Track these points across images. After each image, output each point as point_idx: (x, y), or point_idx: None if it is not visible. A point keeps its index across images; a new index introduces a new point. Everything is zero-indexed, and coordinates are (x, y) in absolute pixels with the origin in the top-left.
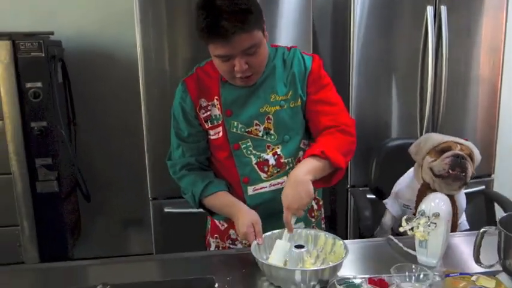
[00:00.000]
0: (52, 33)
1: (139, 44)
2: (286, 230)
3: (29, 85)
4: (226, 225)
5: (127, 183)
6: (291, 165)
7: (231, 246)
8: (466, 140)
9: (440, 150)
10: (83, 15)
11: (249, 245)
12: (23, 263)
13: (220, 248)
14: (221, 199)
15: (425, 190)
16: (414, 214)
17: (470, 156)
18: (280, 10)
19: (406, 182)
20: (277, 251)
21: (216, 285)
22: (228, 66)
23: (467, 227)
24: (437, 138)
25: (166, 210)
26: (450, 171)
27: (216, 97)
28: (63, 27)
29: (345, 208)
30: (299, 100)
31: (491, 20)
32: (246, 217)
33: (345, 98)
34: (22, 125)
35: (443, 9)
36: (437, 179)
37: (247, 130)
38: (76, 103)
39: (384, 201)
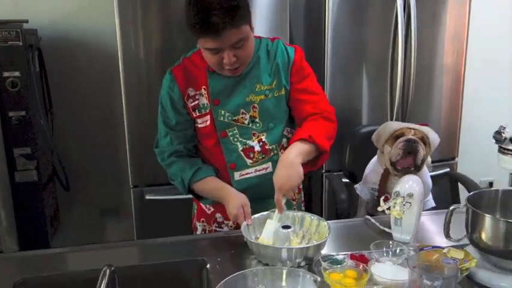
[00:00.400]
0: (26, 21)
1: (119, 34)
2: (276, 210)
3: (6, 74)
4: (212, 209)
5: (106, 171)
6: (275, 151)
7: (217, 229)
8: (426, 124)
9: (395, 137)
10: (59, 3)
11: (236, 228)
12: (2, 253)
13: (207, 232)
14: (211, 184)
15: (387, 174)
16: (378, 197)
17: (423, 139)
18: (257, 0)
19: (372, 167)
20: (268, 230)
21: (208, 265)
22: (217, 58)
23: (434, 205)
24: (394, 126)
25: (147, 197)
26: (400, 157)
27: (203, 87)
28: (38, 15)
29: (320, 192)
30: (283, 89)
31: (456, 9)
32: (236, 200)
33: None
34: (0, 114)
35: (412, 0)
36: (391, 167)
37: (234, 118)
38: (52, 92)
39: (355, 186)
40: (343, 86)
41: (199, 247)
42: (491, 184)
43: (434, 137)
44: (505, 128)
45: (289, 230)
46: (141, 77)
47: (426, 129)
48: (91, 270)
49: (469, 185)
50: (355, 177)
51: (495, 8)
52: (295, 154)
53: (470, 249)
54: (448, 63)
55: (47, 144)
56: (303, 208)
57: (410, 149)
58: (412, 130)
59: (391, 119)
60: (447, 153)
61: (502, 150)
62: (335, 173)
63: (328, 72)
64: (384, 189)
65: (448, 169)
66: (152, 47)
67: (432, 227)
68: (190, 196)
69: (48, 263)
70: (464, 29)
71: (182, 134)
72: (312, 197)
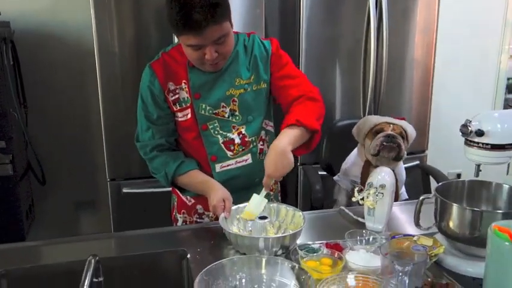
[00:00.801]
0: None
1: (94, 28)
2: (264, 188)
3: None
4: (193, 201)
5: (82, 165)
6: (255, 143)
7: (198, 220)
8: (403, 118)
9: (375, 132)
10: None
11: (216, 219)
12: None
13: (188, 223)
14: (195, 177)
15: (368, 166)
16: (362, 189)
17: (402, 134)
18: None
19: (352, 160)
20: (254, 202)
21: (188, 255)
22: (199, 54)
23: (407, 197)
24: (373, 120)
25: (124, 190)
26: (380, 153)
27: (184, 81)
28: (11, 7)
29: (295, 184)
30: (262, 83)
31: (426, 5)
32: (218, 193)
33: None
34: None
35: None
36: (375, 157)
37: (214, 112)
38: (26, 86)
39: (334, 178)
40: (317, 81)
41: (179, 238)
42: (459, 176)
43: (411, 131)
44: (471, 121)
45: (265, 220)
46: (116, 71)
47: (404, 124)
48: (74, 261)
49: (438, 176)
50: (332, 169)
51: (463, 3)
52: (287, 142)
53: (439, 236)
54: (418, 58)
55: (21, 138)
56: (279, 199)
57: (387, 142)
58: (391, 125)
59: (364, 113)
60: (418, 146)
61: (468, 143)
62: (311, 166)
63: (303, 67)
64: (365, 175)
65: (418, 162)
66: (127, 41)
67: (404, 216)
68: (167, 189)
69: (28, 255)
70: (434, 23)
71: (164, 128)
72: (287, 189)
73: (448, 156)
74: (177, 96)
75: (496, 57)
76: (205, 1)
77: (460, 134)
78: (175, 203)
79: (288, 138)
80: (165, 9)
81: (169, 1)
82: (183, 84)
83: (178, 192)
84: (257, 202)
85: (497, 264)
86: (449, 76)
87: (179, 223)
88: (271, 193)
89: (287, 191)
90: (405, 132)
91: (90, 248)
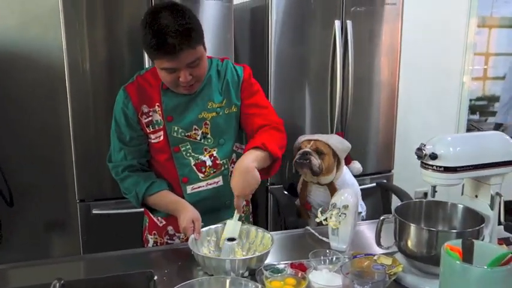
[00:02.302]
0: None
1: (65, 47)
2: (236, 211)
3: None
4: (164, 222)
5: (51, 186)
6: (226, 166)
7: (168, 241)
8: (340, 133)
9: (298, 149)
10: (2, 15)
11: (186, 240)
12: None
13: (159, 244)
14: (165, 197)
15: (306, 184)
16: (302, 205)
17: (317, 150)
18: (202, 18)
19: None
20: (229, 229)
21: (155, 277)
22: (173, 77)
23: (360, 210)
24: (300, 139)
25: (94, 212)
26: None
27: (157, 104)
28: None
29: (265, 204)
30: (233, 107)
31: (390, 29)
32: (188, 214)
33: None
34: None
35: (349, 23)
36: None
37: (186, 134)
38: None
39: (296, 202)
40: (286, 100)
41: (148, 260)
42: (426, 194)
43: (334, 143)
44: (425, 145)
45: (233, 242)
46: (87, 91)
47: (328, 137)
48: (38, 285)
49: (400, 194)
50: (296, 190)
51: (426, 25)
52: (251, 159)
53: (399, 255)
54: (383, 79)
55: None
56: (251, 220)
57: (302, 159)
58: (312, 142)
59: (332, 132)
60: (383, 166)
61: (424, 165)
62: (279, 187)
63: (272, 88)
64: (303, 198)
65: (385, 181)
66: (99, 61)
67: (370, 235)
68: (139, 210)
69: None
70: (398, 46)
71: (136, 149)
72: (258, 210)
73: (415, 175)
74: (150, 118)
75: (458, 79)
76: (179, 26)
77: (416, 157)
78: (147, 224)
79: (252, 156)
80: (139, 32)
81: (144, 25)
82: (156, 107)
83: (150, 214)
84: (232, 227)
85: (450, 282)
86: (414, 98)
87: (150, 244)
88: (243, 215)
89: (258, 213)
90: (328, 146)
91: (56, 271)
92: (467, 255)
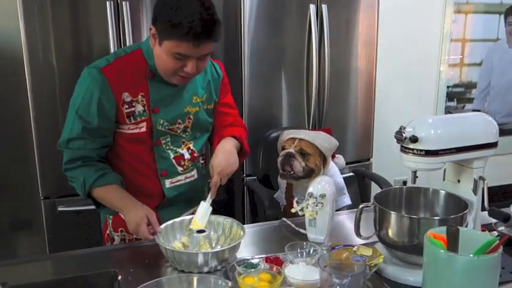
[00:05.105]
0: None
1: (24, 39)
2: (209, 194)
3: None
4: None
5: (15, 182)
6: (199, 159)
7: (137, 237)
8: (327, 129)
9: (282, 149)
10: None
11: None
12: None
13: (127, 241)
14: (113, 192)
15: (290, 186)
16: (288, 202)
17: (302, 150)
18: None
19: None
20: (201, 212)
21: (120, 277)
22: (179, 64)
23: (350, 203)
24: (283, 136)
25: (60, 209)
26: (282, 171)
27: (141, 93)
28: None
29: (241, 196)
30: (212, 103)
31: (366, 17)
32: (136, 212)
33: (238, 92)
34: None
35: (324, 7)
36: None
37: (170, 127)
38: None
39: (275, 196)
40: (261, 91)
41: (113, 258)
42: (405, 183)
43: (321, 143)
44: (405, 127)
45: (203, 234)
46: (49, 82)
47: (315, 136)
48: None
49: (379, 181)
50: (270, 181)
51: (402, 13)
52: (232, 145)
53: (379, 246)
54: (361, 68)
55: None
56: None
57: (286, 162)
58: (296, 141)
59: (309, 122)
60: (363, 155)
61: (404, 149)
62: (255, 177)
63: (246, 79)
64: (289, 195)
65: (363, 169)
66: (61, 51)
67: (348, 225)
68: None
69: None
70: (375, 34)
71: (100, 140)
72: (234, 201)
73: (393, 163)
74: (132, 109)
75: (435, 67)
76: (211, 16)
77: (395, 140)
78: (111, 221)
79: (232, 142)
80: (161, 7)
81: (174, 1)
82: (139, 96)
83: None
84: (204, 210)
85: (434, 272)
86: (392, 86)
87: (116, 242)
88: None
89: (234, 204)
90: (313, 146)
91: (12, 273)
92: (452, 244)
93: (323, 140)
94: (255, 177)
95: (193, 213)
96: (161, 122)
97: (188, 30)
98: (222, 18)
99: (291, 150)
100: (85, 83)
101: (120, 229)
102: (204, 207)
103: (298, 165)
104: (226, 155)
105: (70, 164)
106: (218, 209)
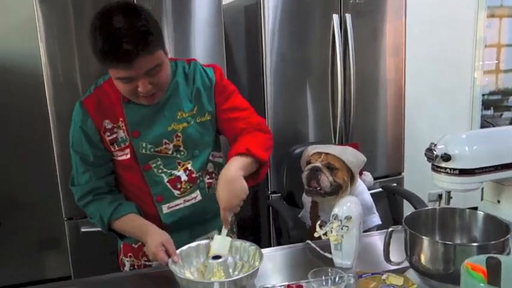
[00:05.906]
0: None
1: (44, 59)
2: (223, 226)
3: None
4: (140, 243)
5: (39, 203)
6: (201, 178)
7: (146, 263)
8: (354, 144)
9: (307, 163)
10: None
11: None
12: None
13: (136, 267)
14: (131, 222)
15: (315, 206)
16: (313, 223)
17: (329, 165)
18: (191, 21)
19: (305, 196)
20: (215, 245)
21: None
22: (131, 87)
23: (379, 223)
24: (308, 151)
25: (83, 230)
26: (307, 187)
27: (120, 119)
28: None
29: (267, 213)
30: (207, 115)
31: (393, 25)
32: (156, 238)
33: (261, 105)
34: None
35: (348, 17)
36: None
37: (156, 150)
38: None
39: (299, 215)
40: (284, 104)
41: (125, 286)
42: (440, 196)
43: (349, 158)
44: (435, 144)
45: (219, 260)
46: (70, 103)
47: (342, 151)
48: None
49: (411, 198)
50: (295, 199)
51: (431, 18)
52: (236, 168)
53: (411, 273)
54: (389, 77)
55: None
56: (235, 230)
57: (313, 177)
58: (322, 155)
59: (335, 137)
60: (394, 169)
61: (435, 168)
62: (278, 197)
63: (269, 92)
64: (314, 215)
65: (395, 184)
66: (85, 73)
67: (378, 247)
68: None
69: None
70: (402, 42)
71: (102, 169)
72: (260, 219)
73: (426, 177)
74: (114, 136)
75: (469, 74)
76: (134, 29)
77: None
78: (121, 246)
79: (237, 165)
80: (89, 40)
81: (93, 30)
82: (120, 122)
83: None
84: (220, 242)
85: None
86: (423, 96)
87: (127, 267)
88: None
89: (260, 223)
90: (340, 161)
91: None
92: (494, 277)
93: (350, 155)
94: (280, 194)
95: (207, 238)
96: (144, 145)
97: (112, 56)
98: (244, 30)
99: (318, 164)
100: (73, 118)
101: (129, 254)
102: (219, 240)
103: (326, 180)
104: (228, 185)
105: (82, 200)
106: (245, 225)
